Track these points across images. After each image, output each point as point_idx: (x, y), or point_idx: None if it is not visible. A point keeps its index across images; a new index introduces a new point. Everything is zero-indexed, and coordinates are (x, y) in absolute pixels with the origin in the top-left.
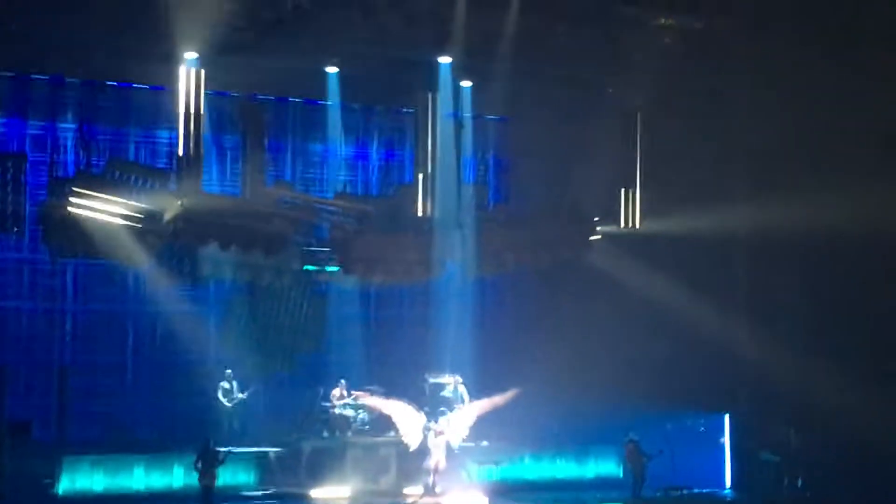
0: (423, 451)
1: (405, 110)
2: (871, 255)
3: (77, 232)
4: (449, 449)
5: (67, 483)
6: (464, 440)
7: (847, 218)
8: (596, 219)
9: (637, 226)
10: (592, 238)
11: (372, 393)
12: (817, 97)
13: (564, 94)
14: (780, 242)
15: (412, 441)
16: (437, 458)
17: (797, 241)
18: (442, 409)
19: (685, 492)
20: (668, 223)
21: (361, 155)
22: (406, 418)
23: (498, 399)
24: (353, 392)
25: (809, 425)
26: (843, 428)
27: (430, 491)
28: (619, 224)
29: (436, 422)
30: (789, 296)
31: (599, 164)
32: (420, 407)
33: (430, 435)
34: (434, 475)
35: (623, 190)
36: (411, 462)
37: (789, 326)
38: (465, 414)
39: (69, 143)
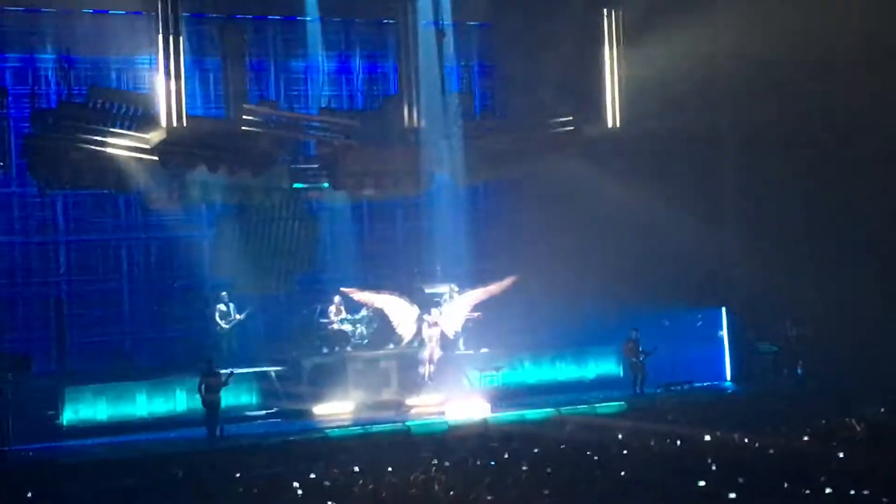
0: (419, 347)
1: (385, 21)
2: (861, 146)
3: (64, 163)
4: (444, 339)
5: (71, 414)
6: (462, 341)
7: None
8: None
9: (618, 125)
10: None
11: (362, 289)
12: None
13: None
14: (766, 139)
15: (406, 332)
16: (431, 348)
17: (785, 137)
18: (436, 299)
19: (685, 386)
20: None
21: (344, 69)
22: (399, 310)
23: (493, 287)
24: (342, 289)
25: (805, 316)
26: (839, 317)
27: (424, 382)
28: (604, 125)
29: (429, 313)
30: (780, 193)
31: (580, 64)
32: (413, 300)
33: (424, 326)
34: (429, 365)
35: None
36: (412, 373)
37: (781, 224)
38: (459, 303)
39: (50, 75)
